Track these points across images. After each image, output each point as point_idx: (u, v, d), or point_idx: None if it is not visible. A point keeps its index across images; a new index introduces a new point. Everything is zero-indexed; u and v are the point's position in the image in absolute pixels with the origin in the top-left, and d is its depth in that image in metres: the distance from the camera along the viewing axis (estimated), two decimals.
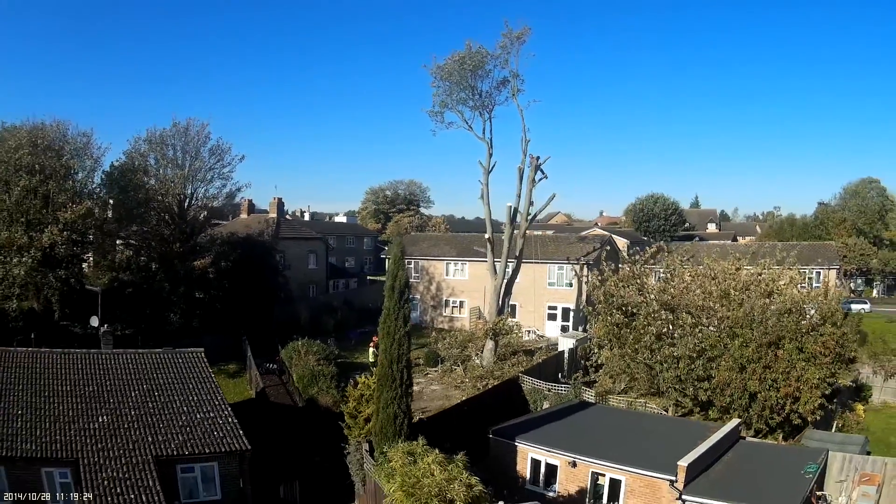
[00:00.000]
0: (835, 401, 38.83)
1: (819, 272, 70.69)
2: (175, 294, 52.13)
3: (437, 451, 23.28)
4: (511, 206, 52.39)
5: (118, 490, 24.08)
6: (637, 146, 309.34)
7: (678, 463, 27.37)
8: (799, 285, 42.07)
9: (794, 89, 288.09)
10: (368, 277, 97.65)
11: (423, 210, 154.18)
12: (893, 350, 54.13)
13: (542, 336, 62.83)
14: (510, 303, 57.74)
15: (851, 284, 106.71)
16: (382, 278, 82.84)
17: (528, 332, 62.08)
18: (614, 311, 40.90)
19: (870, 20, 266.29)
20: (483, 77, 51.30)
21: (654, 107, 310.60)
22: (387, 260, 28.17)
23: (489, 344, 51.39)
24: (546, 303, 64.64)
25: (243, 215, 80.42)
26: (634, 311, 40.32)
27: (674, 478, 27.28)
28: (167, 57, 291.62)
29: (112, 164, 52.81)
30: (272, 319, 59.03)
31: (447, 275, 71.05)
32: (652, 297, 40.43)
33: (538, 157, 51.65)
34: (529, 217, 52.65)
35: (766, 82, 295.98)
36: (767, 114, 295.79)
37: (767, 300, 38.78)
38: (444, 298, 71.31)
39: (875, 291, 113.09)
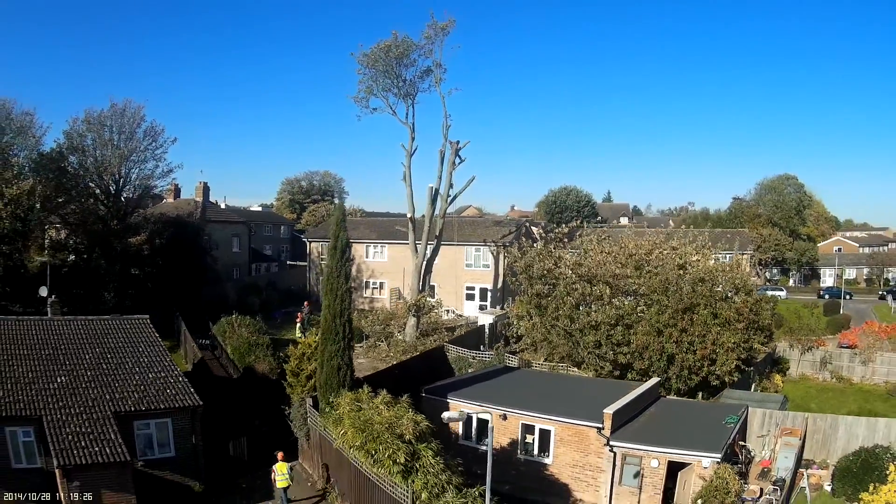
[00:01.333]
0: (751, 368, 42.77)
1: (730, 257, 75.04)
2: (111, 272, 53.28)
3: (384, 391, 25.90)
4: (432, 187, 55.08)
5: (82, 444, 25.55)
6: (549, 141, 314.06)
7: (604, 411, 30.25)
8: (711, 259, 45.93)
9: (707, 85, 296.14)
10: (289, 262, 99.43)
11: (337, 201, 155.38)
12: (808, 326, 59.19)
13: (460, 315, 65.75)
14: (430, 284, 60.40)
15: (767, 273, 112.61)
16: (302, 264, 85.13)
17: (448, 311, 64.86)
18: (535, 281, 44.02)
19: (783, 15, 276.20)
20: (408, 66, 53.82)
21: (566, 102, 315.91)
22: (330, 227, 30.42)
23: (411, 320, 53.93)
24: (464, 284, 67.67)
25: (169, 200, 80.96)
26: (554, 281, 43.53)
27: (601, 425, 30.14)
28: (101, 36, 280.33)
29: (41, 152, 53.96)
30: (201, 298, 60.64)
31: (367, 257, 73.38)
32: (570, 269, 43.69)
33: (458, 142, 54.45)
34: (449, 198, 55.39)
35: (678, 78, 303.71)
36: (680, 110, 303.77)
37: (682, 271, 42.44)
38: (364, 280, 73.53)
39: (791, 281, 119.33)
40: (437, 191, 55.17)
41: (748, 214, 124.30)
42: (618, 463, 30.12)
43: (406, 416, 24.48)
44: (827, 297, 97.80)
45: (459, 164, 54.53)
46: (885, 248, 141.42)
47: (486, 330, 51.36)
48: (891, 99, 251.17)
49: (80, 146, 56.40)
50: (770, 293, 77.78)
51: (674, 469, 29.60)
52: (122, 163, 57.60)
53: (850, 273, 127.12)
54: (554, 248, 46.62)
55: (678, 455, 29.35)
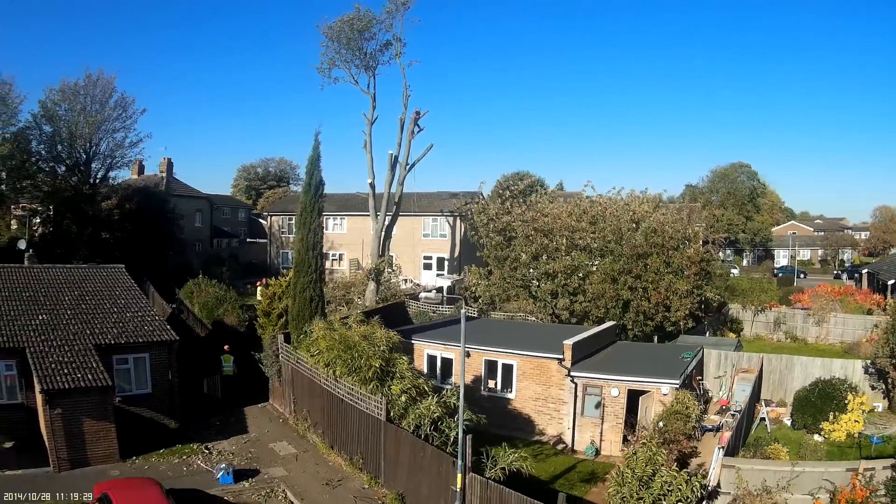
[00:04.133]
0: (705, 322, 45.10)
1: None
2: (81, 236, 54.33)
3: (354, 314, 27.66)
4: (392, 154, 56.68)
5: (65, 371, 26.74)
6: (510, 128, 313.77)
7: (564, 342, 32.11)
8: (661, 212, 48.30)
9: (659, 74, 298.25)
10: (248, 240, 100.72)
11: (292, 187, 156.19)
12: (761, 287, 61.98)
13: (418, 284, 67.62)
14: (389, 253, 61.84)
15: (721, 254, 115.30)
16: (262, 240, 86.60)
17: (406, 280, 66.72)
18: (494, 234, 46.05)
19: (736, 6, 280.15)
20: (369, 39, 55.59)
21: (520, 88, 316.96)
22: (306, 162, 32.06)
23: (371, 286, 55.54)
24: (422, 253, 69.67)
25: (134, 175, 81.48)
26: (512, 234, 45.61)
27: (561, 356, 31.99)
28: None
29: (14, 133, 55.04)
30: (166, 266, 61.89)
31: (327, 229, 74.46)
32: (528, 224, 45.84)
33: (417, 110, 56.22)
34: (408, 166, 57.12)
35: (633, 68, 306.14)
36: (633, 98, 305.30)
37: (634, 225, 44.77)
38: (324, 251, 74.55)
39: (745, 261, 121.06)
40: (396, 158, 56.81)
41: (701, 201, 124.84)
42: (579, 394, 31.88)
43: (379, 331, 26.31)
44: (780, 275, 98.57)
45: (418, 132, 56.34)
46: (841, 233, 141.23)
47: (444, 291, 53.26)
48: (846, 94, 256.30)
49: (54, 115, 57.75)
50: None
51: (634, 400, 31.10)
52: (94, 132, 58.87)
53: (805, 254, 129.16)
54: (511, 206, 48.74)
55: (637, 382, 31.08)
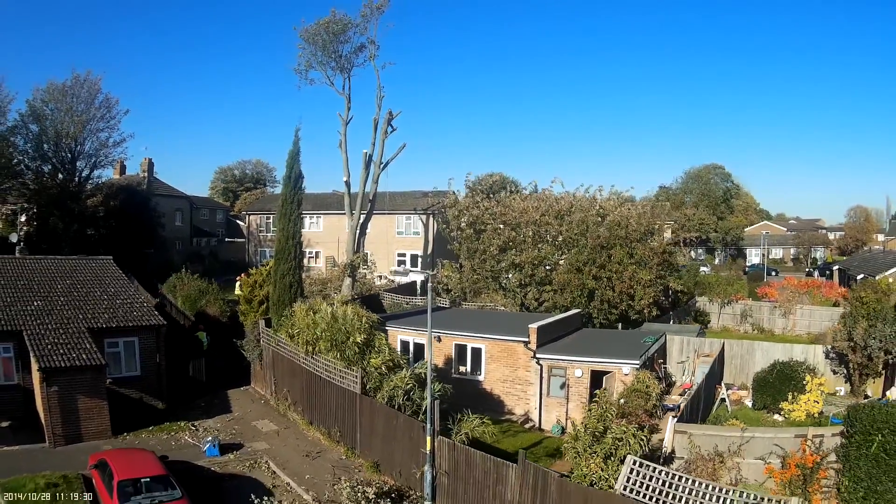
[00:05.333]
0: (671, 313, 47.29)
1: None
2: (67, 232, 56.03)
3: (336, 296, 29.74)
4: (366, 153, 58.36)
5: (61, 352, 28.54)
6: (478, 131, 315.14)
7: (529, 326, 34.28)
8: (626, 207, 50.59)
9: (635, 76, 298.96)
10: (227, 239, 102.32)
11: (269, 189, 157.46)
12: (727, 280, 64.08)
13: (392, 281, 69.43)
14: (364, 251, 63.59)
15: (692, 253, 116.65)
16: (240, 240, 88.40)
17: (381, 277, 68.55)
18: (465, 227, 48.31)
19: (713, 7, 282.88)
20: (344, 42, 57.38)
21: (496, 90, 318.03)
22: (287, 155, 34.20)
23: (347, 281, 57.15)
24: (396, 251, 71.76)
25: (116, 175, 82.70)
26: (482, 227, 47.85)
27: (527, 339, 34.08)
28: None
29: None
30: (148, 262, 63.49)
31: (303, 227, 76.32)
32: (495, 218, 48.15)
33: (391, 110, 58.09)
34: (382, 164, 58.97)
35: (607, 69, 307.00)
36: (607, 100, 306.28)
37: (600, 219, 47.09)
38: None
39: (717, 260, 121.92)
40: (370, 157, 58.63)
41: (674, 203, 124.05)
42: (545, 375, 33.93)
43: (360, 310, 28.50)
44: (750, 272, 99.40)
45: (392, 132, 57.97)
46: (814, 233, 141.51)
47: (418, 285, 55.35)
48: (819, 96, 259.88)
49: (41, 114, 59.35)
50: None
51: (598, 381, 32.86)
52: (80, 131, 60.47)
53: (777, 253, 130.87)
54: (481, 200, 51.03)
55: (600, 363, 33.12)
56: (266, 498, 22.06)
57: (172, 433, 30.13)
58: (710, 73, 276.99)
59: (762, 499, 18.18)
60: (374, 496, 21.83)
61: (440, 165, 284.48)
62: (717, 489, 18.65)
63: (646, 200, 65.06)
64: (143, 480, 21.04)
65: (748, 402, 37.30)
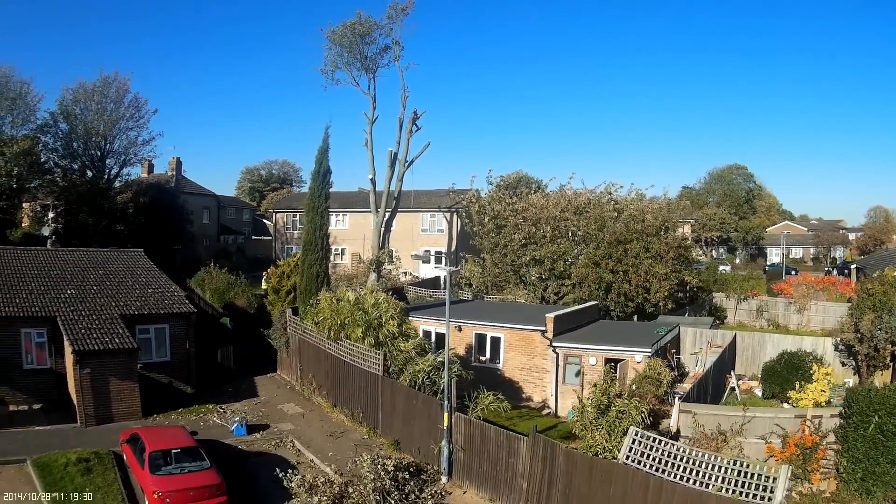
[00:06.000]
0: (687, 307, 47.85)
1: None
2: (97, 228, 57.56)
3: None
4: (391, 151, 59.46)
5: (94, 336, 29.69)
6: (502, 131, 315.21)
7: (546, 315, 35.08)
8: (642, 201, 51.43)
9: (658, 77, 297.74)
10: (253, 237, 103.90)
11: (295, 189, 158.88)
12: (743, 277, 64.29)
13: (417, 277, 70.51)
14: (389, 247, 64.67)
15: (714, 252, 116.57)
16: (266, 238, 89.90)
17: (405, 273, 69.68)
18: (487, 221, 49.33)
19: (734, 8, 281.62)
20: (370, 43, 58.47)
21: (519, 91, 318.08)
22: (316, 153, 35.48)
23: (372, 276, 58.29)
24: (420, 248, 72.53)
25: (144, 173, 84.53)
26: (504, 223, 48.85)
27: (544, 328, 34.88)
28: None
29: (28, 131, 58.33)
30: (176, 258, 65.00)
31: (330, 225, 77.62)
32: (516, 214, 49.14)
33: (415, 110, 59.12)
34: (407, 163, 60.02)
35: (629, 71, 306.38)
36: (630, 101, 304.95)
37: (616, 214, 47.94)
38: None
39: (738, 259, 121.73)
40: (395, 155, 59.66)
41: (697, 203, 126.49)
42: (560, 363, 34.64)
43: (387, 297, 29.65)
44: (770, 270, 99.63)
45: (416, 131, 59.03)
46: (834, 233, 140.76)
47: (441, 279, 56.29)
48: (848, 99, 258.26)
49: (71, 113, 61.03)
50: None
51: (611, 368, 33.11)
52: (110, 130, 62.17)
53: (797, 252, 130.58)
54: (503, 196, 52.09)
55: (613, 351, 33.77)
56: (290, 471, 22.96)
57: (201, 415, 31.27)
58: (736, 74, 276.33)
59: (754, 469, 18.97)
60: (392, 468, 22.74)
61: (462, 163, 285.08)
62: (713, 457, 19.59)
63: (662, 198, 65.47)
64: (173, 451, 22.03)
65: (758, 392, 37.78)
